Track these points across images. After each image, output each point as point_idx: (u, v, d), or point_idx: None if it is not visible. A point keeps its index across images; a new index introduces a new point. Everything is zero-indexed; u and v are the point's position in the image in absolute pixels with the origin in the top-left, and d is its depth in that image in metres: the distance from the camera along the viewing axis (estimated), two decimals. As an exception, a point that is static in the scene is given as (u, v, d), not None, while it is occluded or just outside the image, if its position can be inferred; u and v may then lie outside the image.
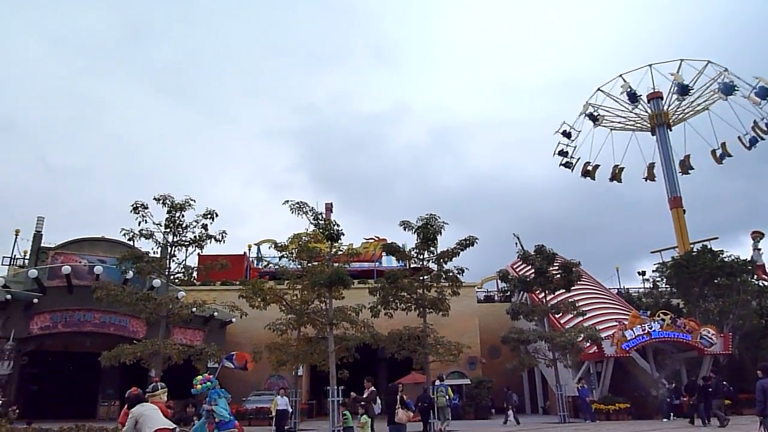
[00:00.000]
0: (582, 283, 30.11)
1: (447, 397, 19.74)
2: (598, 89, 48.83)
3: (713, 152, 45.78)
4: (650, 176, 48.51)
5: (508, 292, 35.47)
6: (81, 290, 25.68)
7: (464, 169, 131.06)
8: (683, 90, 43.89)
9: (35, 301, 26.20)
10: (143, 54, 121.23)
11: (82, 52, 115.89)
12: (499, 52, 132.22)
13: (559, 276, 26.10)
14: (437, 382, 20.13)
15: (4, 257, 33.83)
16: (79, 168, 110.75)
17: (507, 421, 23.62)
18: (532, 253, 26.88)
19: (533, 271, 26.95)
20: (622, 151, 53.54)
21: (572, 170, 51.76)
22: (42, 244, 30.36)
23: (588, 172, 51.57)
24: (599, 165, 51.17)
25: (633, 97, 46.19)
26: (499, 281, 37.95)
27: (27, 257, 31.77)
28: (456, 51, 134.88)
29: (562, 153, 51.90)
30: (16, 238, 34.05)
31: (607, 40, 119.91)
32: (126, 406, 9.73)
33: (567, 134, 50.92)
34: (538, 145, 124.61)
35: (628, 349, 24.71)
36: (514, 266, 36.24)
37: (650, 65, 46.12)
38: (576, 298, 28.04)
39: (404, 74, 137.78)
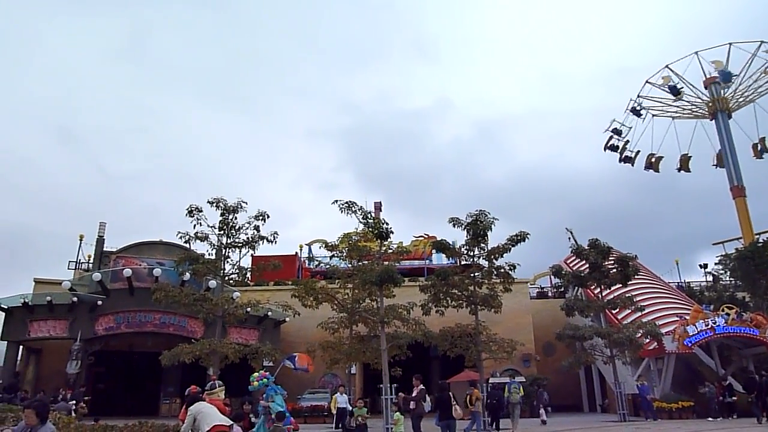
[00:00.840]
0: (639, 277, 29.13)
1: (521, 394, 20.39)
2: (647, 82, 47.22)
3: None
4: (720, 163, 46.39)
5: (562, 288, 34.77)
6: (141, 292, 26.64)
7: (510, 163, 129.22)
8: (726, 77, 42.12)
9: (99, 303, 27.39)
10: (189, 61, 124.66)
11: (134, 63, 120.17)
12: (542, 41, 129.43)
13: (615, 270, 25.38)
14: (510, 380, 20.53)
15: (69, 261, 35.46)
16: (134, 175, 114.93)
17: (544, 421, 23.06)
18: (586, 248, 26.22)
19: (587, 265, 26.30)
20: (679, 140, 51.54)
21: (633, 164, 50.25)
22: (104, 249, 31.72)
23: (651, 165, 49.92)
24: (662, 156, 49.42)
25: (675, 91, 44.65)
26: (552, 277, 37.23)
27: (91, 261, 33.23)
28: (498, 42, 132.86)
29: (613, 148, 50.52)
30: (80, 243, 35.63)
31: (655, 23, 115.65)
32: (185, 403, 10.07)
33: (617, 132, 49.57)
34: (587, 136, 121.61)
35: (690, 345, 23.80)
36: (568, 261, 35.45)
37: (696, 53, 44.47)
38: (633, 293, 27.20)
39: (445, 68, 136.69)
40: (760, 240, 30.97)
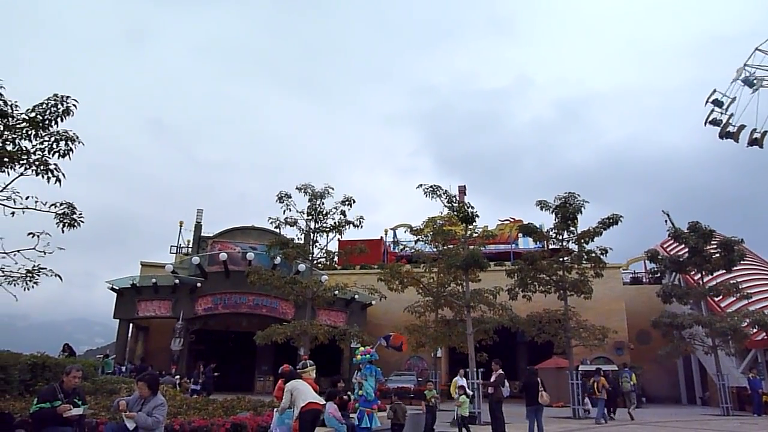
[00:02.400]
0: (746, 262, 27.14)
1: (632, 382, 20.76)
2: (756, 49, 43.23)
3: None
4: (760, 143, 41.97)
5: (658, 274, 32.99)
6: (236, 275, 28.02)
7: (596, 142, 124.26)
8: None
9: (199, 285, 29.10)
10: (270, 52, 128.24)
11: (220, 58, 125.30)
12: (629, 11, 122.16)
13: (717, 255, 23.79)
14: (623, 369, 21.34)
15: (171, 246, 37.84)
16: (223, 163, 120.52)
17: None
18: (686, 231, 24.74)
19: (687, 250, 24.84)
20: (793, 114, 47.00)
21: (737, 140, 46.53)
22: (202, 234, 33.58)
23: (755, 141, 46.01)
24: (744, 126, 45.26)
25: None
26: (647, 262, 35.42)
27: (190, 246, 35.28)
28: (579, 14, 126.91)
29: (715, 122, 46.88)
30: (180, 229, 37.86)
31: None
32: (281, 380, 10.52)
33: (718, 103, 45.84)
34: (680, 112, 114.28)
35: (805, 336, 21.96)
36: (665, 245, 33.62)
37: None
38: (739, 279, 25.40)
39: (523, 45, 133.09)
40: None
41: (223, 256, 28.92)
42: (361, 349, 10.18)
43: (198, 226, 34.37)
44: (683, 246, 25.65)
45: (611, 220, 20.54)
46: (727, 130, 46.71)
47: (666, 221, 31.22)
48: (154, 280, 28.98)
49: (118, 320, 29.85)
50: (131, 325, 30.89)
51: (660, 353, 24.31)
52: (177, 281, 28.82)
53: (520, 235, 32.45)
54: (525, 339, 26.48)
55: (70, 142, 10.47)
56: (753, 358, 24.74)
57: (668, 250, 31.84)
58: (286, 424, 7.60)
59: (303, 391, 7.88)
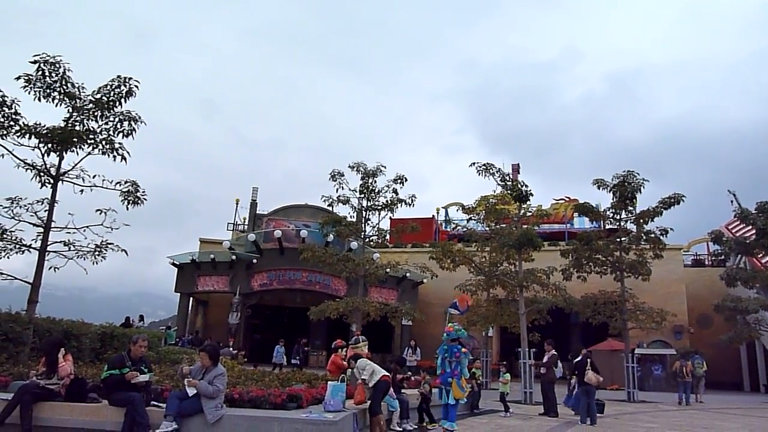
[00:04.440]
0: (819, 245, 25.69)
1: (704, 369, 20.77)
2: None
3: None
4: None
5: (722, 256, 31.65)
6: (290, 252, 28.57)
7: (650, 118, 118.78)
8: None
9: (254, 261, 29.88)
10: (314, 33, 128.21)
11: (270, 42, 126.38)
12: None
13: (788, 237, 22.62)
14: (694, 355, 20.87)
15: (228, 223, 38.93)
16: (272, 142, 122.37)
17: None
18: (753, 212, 23.59)
19: (754, 231, 23.71)
20: None
21: None
22: (257, 212, 34.37)
23: None
24: None
25: None
26: (710, 243, 34.00)
27: (246, 223, 36.21)
28: None
29: None
30: (236, 206, 38.85)
31: None
32: (334, 354, 10.83)
33: None
34: (744, 86, 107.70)
35: None
36: (729, 227, 32.19)
37: None
38: (811, 263, 24.13)
39: (571, 16, 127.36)
40: None
41: (277, 233, 29.53)
42: (450, 325, 10.00)
43: (253, 204, 35.19)
44: (750, 227, 24.51)
45: (672, 200, 19.79)
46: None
47: (732, 201, 29.77)
48: (212, 256, 29.95)
49: (179, 294, 31.10)
50: (191, 298, 32.10)
51: (722, 338, 23.47)
52: (234, 257, 29.67)
53: (576, 214, 31.75)
54: (579, 320, 26.03)
55: (133, 122, 10.89)
56: (824, 345, 23.55)
57: (734, 231, 30.47)
58: (339, 396, 7.79)
59: (375, 365, 8.33)
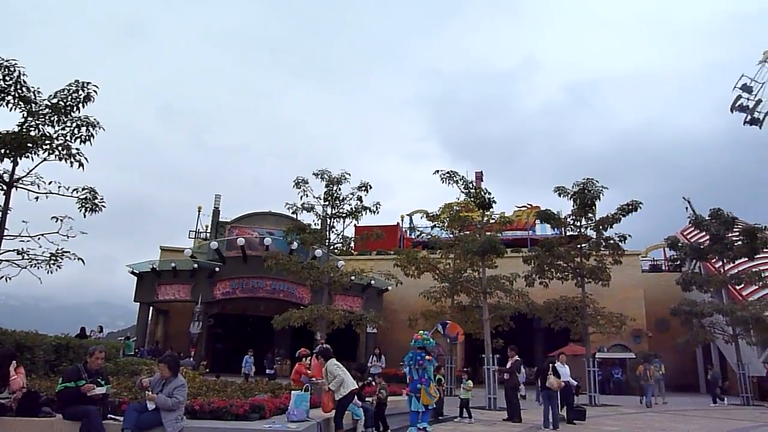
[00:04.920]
0: (769, 250, 26.75)
1: (662, 372, 21.76)
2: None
3: None
4: None
5: (678, 261, 32.62)
6: (254, 260, 28.23)
7: (607, 127, 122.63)
8: None
9: (217, 269, 29.40)
10: (279, 38, 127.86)
11: (234, 47, 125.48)
12: None
13: (740, 242, 23.47)
14: (654, 358, 21.84)
15: (190, 231, 38.28)
16: (235, 148, 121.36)
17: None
18: (707, 218, 24.42)
19: (708, 237, 24.54)
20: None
21: (760, 127, 45.64)
22: (220, 219, 33.90)
23: (754, 120, 45.06)
24: None
25: None
26: (667, 249, 35.03)
27: (209, 231, 35.63)
28: None
29: (742, 108, 45.97)
30: (198, 213, 38.23)
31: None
32: (298, 363, 10.69)
33: (747, 88, 44.87)
34: (698, 95, 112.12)
35: (828, 325, 21.62)
36: (685, 232, 33.22)
37: None
38: (761, 267, 25.05)
39: (530, 25, 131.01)
40: None
41: (240, 241, 29.14)
42: (419, 333, 10.20)
43: (216, 212, 34.68)
44: (704, 233, 25.33)
45: (630, 207, 20.33)
46: (753, 116, 45.90)
47: (687, 208, 30.78)
48: (173, 265, 29.35)
49: (138, 303, 30.35)
50: (151, 308, 31.37)
51: (679, 341, 24.14)
52: (196, 265, 29.14)
53: (538, 221, 32.31)
54: (541, 326, 26.42)
55: (91, 128, 10.61)
56: (774, 347, 24.44)
57: (689, 237, 31.45)
58: (303, 406, 7.71)
59: (346, 374, 8.23)
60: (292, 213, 20.22)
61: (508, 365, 14.10)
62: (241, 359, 25.25)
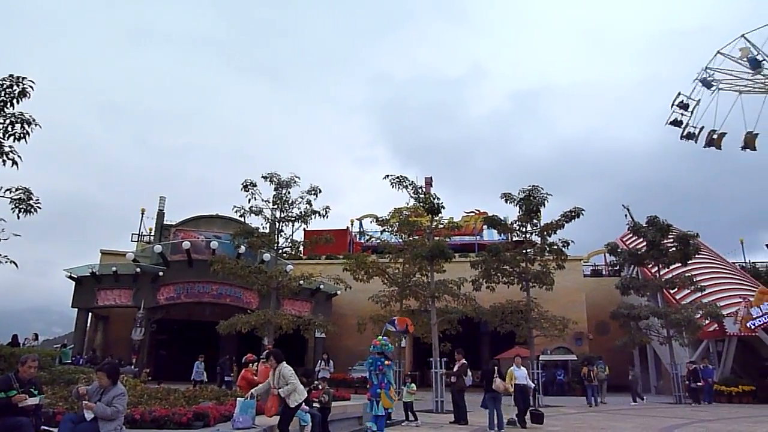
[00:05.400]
0: (701, 256, 28.13)
1: (606, 372, 22.97)
2: (718, 52, 44.73)
3: None
4: (750, 146, 43.96)
5: (617, 266, 33.91)
6: (200, 264, 27.62)
7: (552, 135, 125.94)
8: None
9: (161, 274, 28.60)
10: (225, 39, 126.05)
11: (178, 47, 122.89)
12: (586, 4, 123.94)
13: (674, 249, 24.58)
14: (598, 360, 23.10)
15: (132, 234, 37.10)
16: (180, 150, 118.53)
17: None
18: (644, 225, 25.46)
19: (645, 243, 25.58)
20: (746, 116, 49.15)
21: (696, 141, 48.08)
22: (164, 222, 32.99)
23: (712, 141, 47.63)
24: (725, 133, 47.00)
25: (755, 64, 41.89)
26: (607, 255, 36.36)
27: (152, 234, 34.62)
28: (533, 4, 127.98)
29: (676, 123, 48.33)
30: (142, 216, 37.14)
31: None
32: (245, 369, 10.50)
33: (684, 105, 47.23)
34: (636, 107, 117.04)
35: (754, 327, 22.90)
36: (624, 239, 34.53)
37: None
38: (694, 273, 26.33)
39: (477, 32, 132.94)
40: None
41: (186, 244, 28.45)
42: (378, 339, 10.36)
43: (160, 214, 33.71)
44: (642, 239, 26.36)
45: (573, 213, 20.98)
46: (688, 131, 48.45)
47: (626, 215, 32.04)
48: (114, 269, 28.36)
49: (76, 309, 29.14)
50: (90, 314, 30.20)
51: (617, 343, 25.02)
52: (138, 270, 28.24)
53: (485, 227, 32.88)
54: (488, 329, 26.92)
55: (26, 125, 10.13)
56: (705, 348, 25.68)
57: (627, 243, 32.69)
58: (249, 413, 7.58)
59: (299, 383, 8.08)
60: (240, 216, 19.92)
61: (455, 368, 14.27)
62: (186, 366, 24.60)
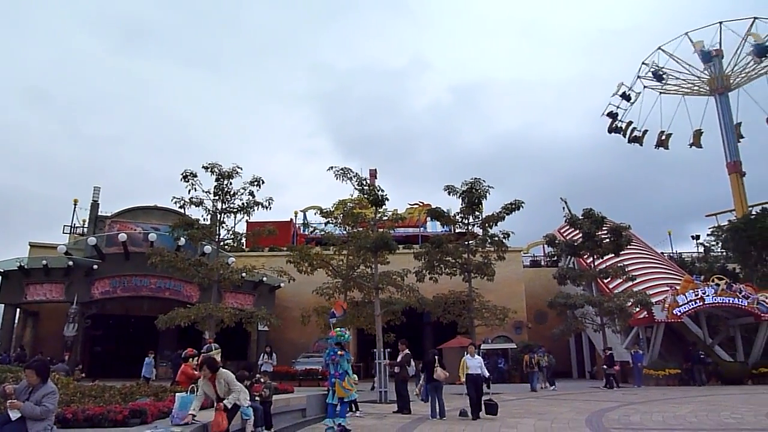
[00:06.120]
0: (632, 247, 29.44)
1: (549, 360, 24.14)
2: (659, 48, 46.92)
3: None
4: (696, 143, 46.94)
5: (555, 257, 35.03)
6: (137, 257, 26.71)
7: (491, 129, 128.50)
8: (761, 51, 41.26)
9: (95, 267, 27.45)
10: (159, 23, 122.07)
11: (111, 32, 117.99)
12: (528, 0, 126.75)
13: (608, 240, 25.62)
14: (540, 349, 24.25)
15: (64, 226, 35.42)
16: (114, 138, 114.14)
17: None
18: (580, 217, 26.39)
19: (581, 235, 26.51)
20: (673, 116, 52.27)
21: (624, 135, 50.38)
22: (99, 213, 31.68)
23: (636, 138, 50.15)
24: (647, 130, 49.74)
25: (707, 57, 44.25)
26: (545, 246, 37.51)
27: (86, 226, 33.19)
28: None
29: (612, 115, 50.45)
30: (75, 207, 35.53)
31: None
32: (185, 364, 10.24)
33: (626, 97, 49.28)
34: (572, 103, 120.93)
35: (680, 314, 24.18)
36: (561, 231, 35.69)
37: (720, 23, 43.83)
38: (626, 263, 27.53)
39: (419, 24, 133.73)
40: (753, 212, 31.20)
41: (122, 236, 27.43)
42: (335, 330, 10.56)
43: (94, 205, 32.32)
44: (578, 231, 27.31)
45: (513, 206, 21.51)
46: (616, 125, 50.97)
47: (563, 208, 33.10)
48: (44, 262, 27.01)
49: (3, 305, 27.62)
50: (18, 309, 28.73)
51: (554, 331, 25.89)
52: (71, 263, 27.02)
53: (429, 218, 33.29)
54: (431, 320, 27.30)
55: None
56: (635, 334, 26.93)
57: (565, 234, 33.80)
58: (188, 408, 7.40)
59: (243, 388, 7.90)
60: (180, 207, 19.42)
61: (399, 359, 14.43)
62: (124, 363, 23.80)
